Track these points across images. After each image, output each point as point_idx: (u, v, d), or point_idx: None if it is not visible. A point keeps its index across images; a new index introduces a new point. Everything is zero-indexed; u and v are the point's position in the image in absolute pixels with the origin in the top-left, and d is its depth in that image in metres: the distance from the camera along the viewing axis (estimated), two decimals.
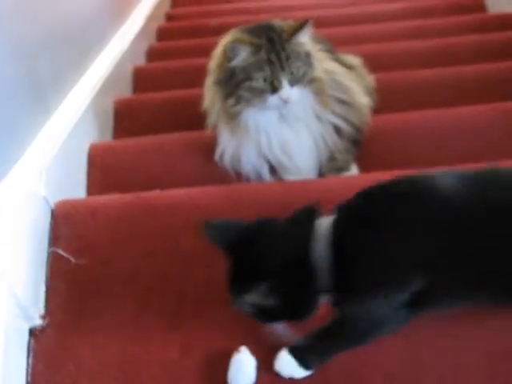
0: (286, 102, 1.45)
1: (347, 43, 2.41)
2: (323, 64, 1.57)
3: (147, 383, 1.18)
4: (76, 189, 1.64)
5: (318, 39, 1.68)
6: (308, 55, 1.49)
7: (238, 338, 1.18)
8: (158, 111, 2.12)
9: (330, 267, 1.03)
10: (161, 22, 3.60)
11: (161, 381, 1.17)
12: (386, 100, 1.93)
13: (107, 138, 2.05)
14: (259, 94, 1.45)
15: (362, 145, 1.69)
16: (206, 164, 1.65)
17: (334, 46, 1.85)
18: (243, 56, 1.43)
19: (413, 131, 1.76)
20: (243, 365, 1.14)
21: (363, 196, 1.07)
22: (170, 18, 3.77)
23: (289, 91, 1.44)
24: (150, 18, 3.21)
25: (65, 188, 1.54)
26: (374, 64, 2.03)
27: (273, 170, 1.62)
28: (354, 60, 1.95)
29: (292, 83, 1.44)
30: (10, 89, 1.39)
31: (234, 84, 1.47)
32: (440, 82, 2.14)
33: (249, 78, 1.44)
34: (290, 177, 1.61)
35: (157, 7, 3.48)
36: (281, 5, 3.64)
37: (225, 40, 1.50)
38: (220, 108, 1.54)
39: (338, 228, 1.05)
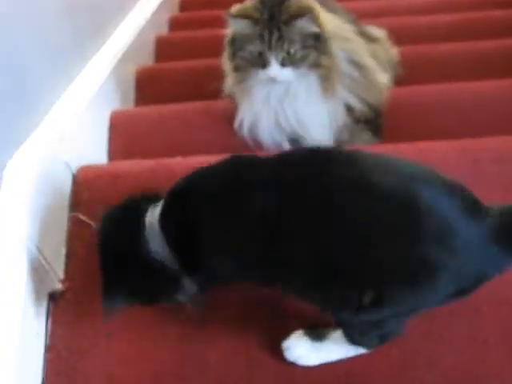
0: (273, 80, 1.47)
1: (373, 16, 2.39)
2: (342, 42, 1.55)
3: (163, 348, 1.19)
4: (97, 155, 1.65)
5: (341, 11, 1.68)
6: (317, 39, 1.47)
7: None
8: (179, 80, 2.11)
9: (167, 253, 1.05)
10: None
11: (178, 346, 1.19)
12: (410, 73, 1.93)
13: (129, 105, 2.05)
14: (251, 65, 1.49)
15: (382, 125, 1.68)
16: (226, 132, 1.65)
17: (358, 18, 1.85)
18: (241, 27, 1.48)
19: (435, 104, 1.74)
20: None
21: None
22: None
23: (276, 70, 1.46)
24: None
25: (86, 154, 1.54)
26: (399, 37, 2.02)
27: (293, 139, 1.61)
28: (378, 32, 1.94)
29: (284, 63, 1.45)
30: (31, 52, 1.39)
31: (233, 51, 1.52)
32: (464, 55, 2.11)
33: (241, 49, 1.49)
34: None
35: None
36: None
37: (235, 8, 1.51)
38: (229, 73, 1.57)
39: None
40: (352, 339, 1.08)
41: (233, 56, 1.54)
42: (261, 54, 1.46)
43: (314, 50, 1.47)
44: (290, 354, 1.14)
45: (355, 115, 1.60)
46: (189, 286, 1.08)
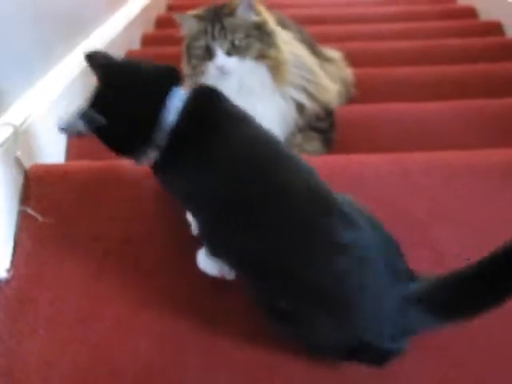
0: (222, 70, 1.55)
1: (337, 40, 2.48)
2: (291, 47, 1.63)
3: (99, 334, 1.25)
4: (54, 154, 1.70)
5: (294, 28, 1.76)
6: (260, 29, 1.56)
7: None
8: None
9: (170, 128, 1.09)
10: (161, 11, 3.68)
11: (112, 333, 1.24)
12: (366, 94, 2.01)
13: None
14: (202, 61, 1.58)
15: (333, 138, 1.75)
16: None
17: (319, 40, 1.94)
18: (190, 26, 1.60)
19: (383, 121, 1.82)
20: None
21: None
22: (171, 7, 3.84)
23: (223, 60, 1.54)
24: (149, 7, 3.31)
25: (43, 153, 1.60)
26: (359, 60, 2.11)
27: None
28: (334, 53, 2.02)
29: (230, 53, 1.54)
30: None
31: (189, 53, 1.62)
32: (419, 79, 2.20)
33: (192, 46, 1.59)
34: None
35: None
36: (278, 2, 3.70)
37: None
38: (187, 76, 1.64)
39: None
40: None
41: (189, 59, 1.63)
42: (207, 47, 1.55)
43: (257, 41, 1.56)
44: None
45: (307, 115, 1.67)
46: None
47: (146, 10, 3.20)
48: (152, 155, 1.12)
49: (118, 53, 2.56)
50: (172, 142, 1.09)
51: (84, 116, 1.10)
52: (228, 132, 1.09)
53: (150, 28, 3.31)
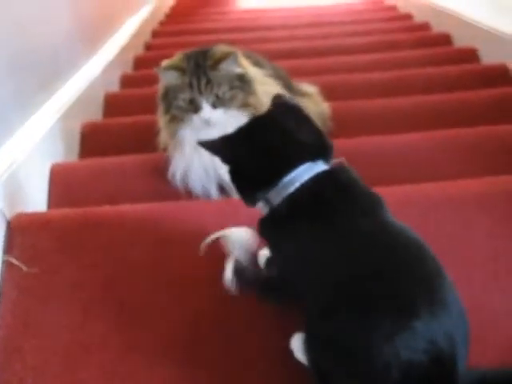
0: (207, 122, 1.57)
1: (313, 73, 2.52)
2: (266, 87, 1.66)
3: (86, 382, 1.25)
4: (37, 204, 1.71)
5: (268, 66, 1.79)
6: (242, 80, 1.59)
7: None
8: (123, 135, 2.20)
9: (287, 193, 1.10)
10: (139, 51, 3.71)
11: (98, 381, 1.25)
12: (343, 127, 2.03)
13: (73, 158, 2.12)
14: (186, 112, 1.59)
15: None
16: (158, 183, 1.74)
17: (296, 74, 1.97)
18: (171, 78, 1.60)
19: (358, 157, 1.83)
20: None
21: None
22: (148, 47, 3.88)
23: (209, 112, 1.56)
24: (127, 48, 3.34)
25: (24, 202, 1.62)
26: (335, 93, 2.13)
27: (222, 188, 1.69)
28: (309, 88, 2.05)
29: (216, 105, 1.56)
30: None
31: (168, 103, 1.62)
32: (395, 110, 2.23)
33: (175, 98, 1.59)
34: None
35: (135, 37, 3.61)
36: (255, 37, 3.75)
37: (164, 62, 1.64)
38: (164, 127, 1.66)
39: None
40: None
41: (167, 109, 1.64)
42: (192, 100, 1.57)
43: (240, 91, 1.59)
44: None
45: None
46: None
47: (123, 50, 3.23)
48: (263, 208, 1.14)
49: (97, 95, 2.58)
50: (287, 206, 1.10)
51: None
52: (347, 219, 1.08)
53: (128, 68, 3.34)
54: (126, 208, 1.51)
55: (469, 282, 1.27)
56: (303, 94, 1.96)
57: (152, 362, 1.26)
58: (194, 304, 1.33)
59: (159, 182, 1.74)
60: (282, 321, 1.26)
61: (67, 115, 2.09)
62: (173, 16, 5.24)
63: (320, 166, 1.12)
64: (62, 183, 1.81)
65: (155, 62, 3.22)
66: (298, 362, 1.16)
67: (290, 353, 1.18)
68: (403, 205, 1.41)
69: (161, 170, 1.74)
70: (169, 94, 1.62)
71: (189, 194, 1.70)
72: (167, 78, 1.62)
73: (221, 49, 1.62)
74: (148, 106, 2.29)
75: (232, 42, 3.51)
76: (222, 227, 1.37)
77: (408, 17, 4.38)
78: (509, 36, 2.64)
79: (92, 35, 2.78)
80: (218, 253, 1.35)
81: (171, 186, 1.71)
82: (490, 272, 1.30)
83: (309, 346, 1.10)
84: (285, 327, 1.22)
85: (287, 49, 3.33)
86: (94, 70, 2.62)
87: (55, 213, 1.55)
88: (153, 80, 2.87)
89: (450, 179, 1.55)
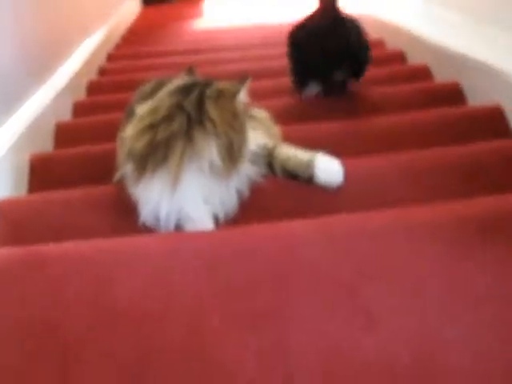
0: None
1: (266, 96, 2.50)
2: None
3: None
4: None
5: None
6: None
7: None
8: (74, 166, 2.14)
9: None
10: (92, 76, 3.66)
11: None
12: None
13: (22, 192, 2.07)
14: None
15: None
16: (111, 217, 1.68)
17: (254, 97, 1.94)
18: None
19: None
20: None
21: None
22: (103, 72, 3.83)
23: None
24: (80, 73, 3.28)
25: None
26: (289, 116, 2.11)
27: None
28: (260, 113, 2.03)
29: None
30: None
31: None
32: (347, 134, 2.21)
33: None
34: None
35: (89, 62, 3.56)
36: (211, 58, 3.74)
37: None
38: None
39: None
40: None
41: None
42: None
43: None
44: None
45: None
46: None
47: (76, 76, 3.17)
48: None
49: (47, 125, 2.53)
50: None
51: None
52: None
53: (81, 95, 3.28)
54: (72, 245, 1.45)
55: (422, 312, 1.25)
56: (254, 119, 1.93)
57: None
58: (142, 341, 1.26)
59: (110, 216, 1.68)
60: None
61: (15, 148, 2.05)
62: (130, 38, 5.18)
63: None
64: (8, 219, 1.75)
65: (110, 87, 3.22)
66: None
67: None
68: (353, 234, 1.39)
69: (113, 203, 1.69)
70: None
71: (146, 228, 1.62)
72: None
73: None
74: (102, 134, 2.27)
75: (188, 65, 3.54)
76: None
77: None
78: (459, 54, 2.65)
79: (40, 62, 2.72)
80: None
81: (124, 220, 1.63)
82: (443, 302, 1.27)
83: None
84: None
85: (241, 70, 3.31)
86: (44, 99, 2.57)
87: None
88: (108, 106, 2.86)
89: (405, 205, 1.54)
